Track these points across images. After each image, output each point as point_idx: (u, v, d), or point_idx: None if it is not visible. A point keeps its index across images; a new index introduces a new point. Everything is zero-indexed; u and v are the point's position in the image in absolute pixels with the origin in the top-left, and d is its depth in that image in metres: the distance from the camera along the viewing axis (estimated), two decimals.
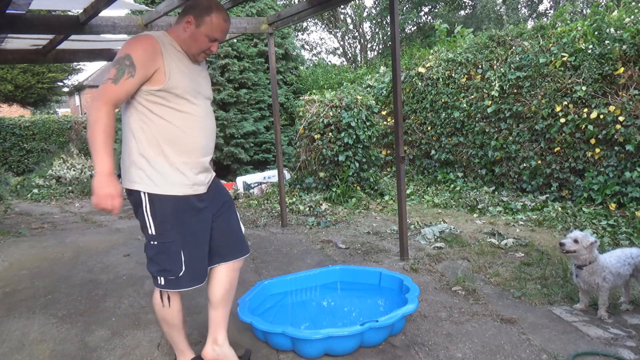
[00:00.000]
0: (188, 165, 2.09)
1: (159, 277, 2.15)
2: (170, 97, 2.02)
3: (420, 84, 8.34)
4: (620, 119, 5.46)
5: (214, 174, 2.32)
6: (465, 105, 7.46)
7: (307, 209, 6.45)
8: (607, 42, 5.77)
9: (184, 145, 2.07)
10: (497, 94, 6.89)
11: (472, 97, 7.35)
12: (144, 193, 2.06)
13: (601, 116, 5.65)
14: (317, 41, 36.20)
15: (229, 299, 2.40)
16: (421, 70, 8.34)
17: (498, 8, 19.86)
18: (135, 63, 1.93)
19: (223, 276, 2.35)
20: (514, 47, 6.99)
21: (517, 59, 6.75)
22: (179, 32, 2.09)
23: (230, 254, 2.35)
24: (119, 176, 2.04)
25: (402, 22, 20.83)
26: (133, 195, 2.10)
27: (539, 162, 6.41)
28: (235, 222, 2.40)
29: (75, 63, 17.04)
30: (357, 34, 25.26)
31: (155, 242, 2.11)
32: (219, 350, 2.38)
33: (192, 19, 2.05)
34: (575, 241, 2.84)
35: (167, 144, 2.04)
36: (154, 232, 2.10)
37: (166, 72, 2.00)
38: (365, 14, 23.65)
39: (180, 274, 2.13)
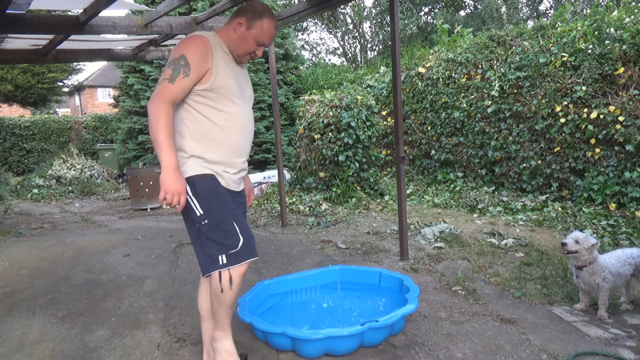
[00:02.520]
0: (224, 163, 2.16)
1: (220, 257, 2.10)
2: (215, 97, 2.09)
3: (420, 84, 8.34)
4: (620, 119, 5.46)
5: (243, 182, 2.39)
6: (465, 105, 7.46)
7: (307, 209, 6.45)
8: (607, 42, 5.77)
9: (223, 144, 2.14)
10: (497, 94, 6.89)
11: (472, 97, 7.35)
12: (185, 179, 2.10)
13: (601, 116, 5.65)
14: (317, 41, 36.18)
15: None
16: (421, 70, 8.35)
17: (499, 7, 19.87)
18: (189, 62, 2.00)
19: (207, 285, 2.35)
20: (514, 47, 7.00)
21: (517, 59, 6.75)
22: (229, 32, 2.16)
23: None
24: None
25: (402, 26, 20.79)
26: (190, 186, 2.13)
27: (539, 162, 6.41)
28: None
29: (75, 63, 17.07)
30: (357, 34, 25.27)
31: (207, 221, 2.10)
32: None
33: (244, 21, 2.13)
34: (577, 242, 2.84)
35: (209, 142, 2.11)
36: (202, 212, 2.10)
37: (214, 72, 2.07)
38: (365, 14, 23.66)
39: (240, 244, 2.11)
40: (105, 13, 4.12)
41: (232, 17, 2.18)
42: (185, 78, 1.99)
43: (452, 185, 7.43)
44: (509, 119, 6.81)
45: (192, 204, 2.10)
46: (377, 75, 9.99)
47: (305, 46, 27.03)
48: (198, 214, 2.10)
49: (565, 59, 6.13)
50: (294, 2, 20.47)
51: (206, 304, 2.34)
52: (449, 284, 3.58)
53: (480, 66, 7.35)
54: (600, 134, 5.67)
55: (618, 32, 5.78)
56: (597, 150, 5.76)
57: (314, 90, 8.42)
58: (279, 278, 3.43)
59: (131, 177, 7.67)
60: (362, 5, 24.24)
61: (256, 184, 8.27)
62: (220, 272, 2.12)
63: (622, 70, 5.60)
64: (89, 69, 66.54)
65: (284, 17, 4.99)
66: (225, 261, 2.10)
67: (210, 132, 2.10)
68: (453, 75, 7.74)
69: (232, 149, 2.17)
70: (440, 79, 7.94)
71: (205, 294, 2.34)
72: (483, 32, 8.33)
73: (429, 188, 7.64)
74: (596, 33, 6.00)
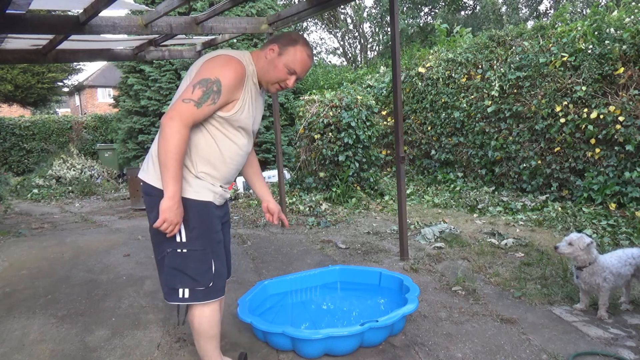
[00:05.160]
0: (216, 183, 2.08)
1: (181, 290, 2.01)
2: (228, 126, 2.01)
3: (420, 84, 8.34)
4: (620, 119, 5.46)
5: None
6: (465, 105, 7.46)
7: (307, 209, 6.45)
8: (607, 42, 5.77)
9: (218, 170, 2.06)
10: (497, 94, 6.89)
11: (472, 97, 7.35)
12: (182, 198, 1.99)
13: (601, 116, 5.65)
14: (317, 41, 36.17)
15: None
16: (421, 70, 8.35)
17: (498, 8, 19.87)
18: (222, 91, 1.89)
19: None
20: (514, 47, 6.99)
21: (517, 59, 6.75)
22: (260, 59, 2.07)
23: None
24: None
25: (403, 24, 20.76)
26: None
27: (539, 162, 6.41)
28: (228, 241, 2.36)
29: (75, 63, 17.07)
30: (357, 34, 25.26)
31: (185, 250, 1.99)
32: None
33: (276, 47, 2.04)
34: (570, 244, 2.84)
35: (207, 163, 2.02)
36: (183, 240, 1.99)
37: (239, 105, 1.98)
38: (365, 14, 23.66)
39: (210, 284, 2.04)
40: (105, 13, 4.12)
41: (266, 44, 2.10)
42: (212, 105, 1.89)
43: (452, 185, 7.43)
44: (509, 119, 6.81)
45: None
46: (377, 75, 9.99)
47: None
48: (178, 239, 1.99)
49: (565, 59, 6.13)
50: (294, 2, 20.47)
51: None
52: (449, 284, 3.58)
53: (480, 66, 7.34)
54: (600, 134, 5.67)
55: (618, 32, 5.78)
56: (597, 150, 5.76)
57: (314, 90, 8.42)
58: (279, 278, 3.43)
59: (131, 177, 7.67)
60: (362, 5, 24.24)
61: None
62: (179, 306, 2.06)
63: (622, 70, 5.59)
64: (89, 69, 66.61)
65: (284, 17, 4.99)
66: (187, 296, 2.01)
67: (213, 158, 2.02)
68: (453, 75, 7.74)
69: (224, 177, 2.10)
70: (440, 79, 7.94)
71: None
72: (483, 32, 8.33)
73: (429, 188, 7.64)
74: (596, 33, 6.00)
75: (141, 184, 2.10)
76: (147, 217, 2.08)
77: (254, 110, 2.09)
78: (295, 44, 2.04)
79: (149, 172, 2.05)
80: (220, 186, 2.10)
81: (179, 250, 2.00)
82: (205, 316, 2.10)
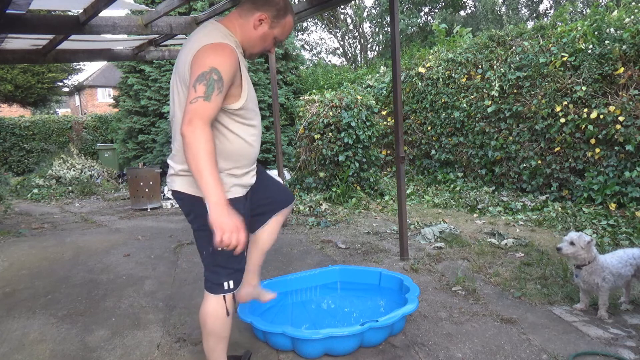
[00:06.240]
0: (248, 174, 2.06)
1: (227, 282, 2.03)
2: (245, 113, 1.94)
3: (420, 84, 8.34)
4: (620, 119, 5.46)
5: None
6: (465, 105, 7.47)
7: (307, 209, 6.45)
8: (607, 42, 5.77)
9: (248, 158, 2.02)
10: (497, 94, 6.89)
11: (472, 97, 7.36)
12: None
13: (601, 116, 5.65)
14: (317, 41, 36.21)
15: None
16: (421, 70, 8.35)
17: (497, 8, 19.88)
18: (223, 77, 1.77)
19: (275, 225, 2.44)
20: (514, 47, 7.00)
21: (517, 59, 6.75)
22: (246, 28, 1.94)
23: (280, 205, 2.40)
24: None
25: (402, 26, 20.75)
26: (199, 206, 1.94)
27: (539, 162, 6.41)
28: (270, 176, 2.37)
29: (75, 63, 17.08)
30: (357, 34, 25.27)
31: (224, 248, 1.99)
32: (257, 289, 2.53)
33: (267, 18, 1.93)
34: (572, 243, 2.84)
35: (237, 158, 1.97)
36: None
37: (242, 87, 1.90)
38: (365, 14, 23.68)
39: (245, 265, 2.14)
40: (105, 13, 4.11)
41: (249, 9, 1.93)
42: (220, 95, 1.76)
43: (452, 185, 7.43)
44: (509, 119, 6.81)
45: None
46: (377, 75, 9.99)
47: (305, 46, 27.07)
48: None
49: (565, 59, 6.13)
50: (294, 2, 20.46)
51: (269, 240, 2.45)
52: (449, 284, 3.58)
53: (480, 66, 7.35)
54: (600, 134, 5.67)
55: (618, 32, 5.79)
56: (597, 150, 5.76)
57: (314, 90, 8.42)
58: (279, 278, 3.42)
59: (131, 177, 7.67)
60: (362, 5, 24.26)
61: None
62: (225, 296, 2.06)
63: (622, 70, 5.60)
64: (89, 69, 66.56)
65: None
66: (232, 286, 2.06)
67: (239, 149, 1.96)
68: (453, 75, 7.74)
69: (253, 160, 2.07)
70: (440, 79, 7.94)
71: (269, 230, 2.43)
72: (483, 32, 8.33)
73: (429, 188, 7.64)
74: (596, 33, 6.00)
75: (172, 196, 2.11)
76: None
77: (250, 82, 2.02)
78: (285, 16, 1.97)
79: (173, 180, 2.02)
80: (252, 176, 2.11)
81: (219, 249, 1.96)
82: (222, 317, 2.09)
